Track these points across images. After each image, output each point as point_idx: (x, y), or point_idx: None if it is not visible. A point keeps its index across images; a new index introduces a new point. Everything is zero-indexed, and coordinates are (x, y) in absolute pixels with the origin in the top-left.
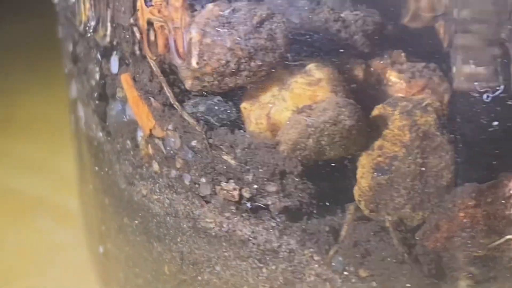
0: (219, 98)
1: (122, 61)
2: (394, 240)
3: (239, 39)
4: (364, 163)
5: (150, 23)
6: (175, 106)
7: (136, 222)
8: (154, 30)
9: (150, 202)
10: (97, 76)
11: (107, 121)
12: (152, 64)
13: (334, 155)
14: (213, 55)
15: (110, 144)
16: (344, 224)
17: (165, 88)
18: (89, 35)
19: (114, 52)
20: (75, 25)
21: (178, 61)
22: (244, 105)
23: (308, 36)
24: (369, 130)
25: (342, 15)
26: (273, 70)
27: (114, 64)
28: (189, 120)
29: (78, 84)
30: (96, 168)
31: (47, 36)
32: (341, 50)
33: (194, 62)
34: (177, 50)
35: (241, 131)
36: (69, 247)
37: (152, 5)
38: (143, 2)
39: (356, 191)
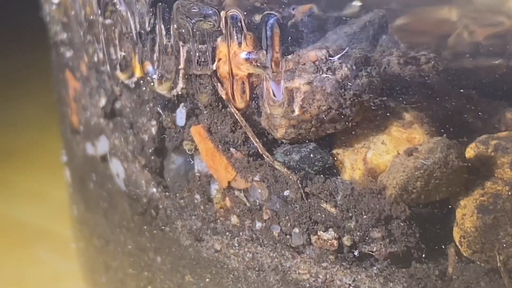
0: (314, 145)
1: (190, 113)
2: (505, 280)
3: (339, 84)
4: (465, 204)
5: (232, 73)
6: (264, 156)
7: (207, 279)
8: (238, 80)
9: (225, 257)
10: (153, 130)
11: (165, 176)
12: (236, 115)
13: (440, 196)
14: (313, 102)
15: (170, 200)
16: (449, 267)
17: (251, 138)
18: (144, 88)
19: (182, 104)
20: (115, 79)
21: (273, 110)
22: (337, 150)
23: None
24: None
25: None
26: (368, 115)
27: (180, 116)
28: (281, 169)
29: (114, 139)
30: (145, 227)
31: (48, 66)
32: (425, 91)
33: (297, 109)
34: (270, 99)
35: (338, 177)
36: (70, 277)
37: (250, 57)
38: (234, 52)
39: (456, 233)
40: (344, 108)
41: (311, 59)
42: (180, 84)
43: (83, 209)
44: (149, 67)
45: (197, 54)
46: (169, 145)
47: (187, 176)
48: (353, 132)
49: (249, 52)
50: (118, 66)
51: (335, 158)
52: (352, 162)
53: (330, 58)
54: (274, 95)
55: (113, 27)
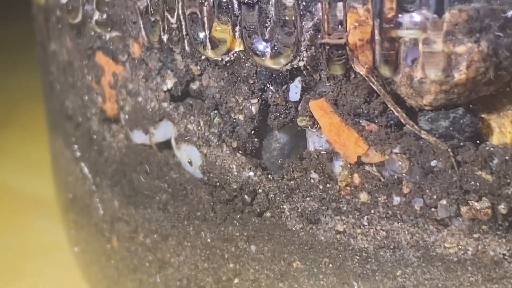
0: (463, 109)
1: (306, 87)
2: None
3: (495, 43)
4: None
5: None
6: (408, 125)
7: (323, 263)
8: (383, 46)
9: (351, 238)
10: (253, 109)
11: (264, 158)
12: (374, 84)
13: None
14: (472, 64)
15: (274, 182)
16: None
17: (391, 108)
18: (243, 64)
19: (298, 78)
20: (195, 58)
21: (427, 75)
22: (482, 114)
23: None
24: None
25: None
26: None
27: (295, 91)
28: (429, 138)
29: (186, 124)
30: (233, 215)
31: None
32: None
33: (455, 73)
34: (426, 63)
35: (487, 142)
36: (67, 245)
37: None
38: (382, 15)
39: None
40: (501, 69)
41: (462, 17)
42: (302, 56)
43: (120, 206)
44: (256, 41)
45: (330, 22)
46: (274, 123)
47: (296, 155)
48: (501, 94)
49: (402, 14)
50: (207, 43)
51: (482, 123)
52: (500, 126)
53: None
54: (427, 60)
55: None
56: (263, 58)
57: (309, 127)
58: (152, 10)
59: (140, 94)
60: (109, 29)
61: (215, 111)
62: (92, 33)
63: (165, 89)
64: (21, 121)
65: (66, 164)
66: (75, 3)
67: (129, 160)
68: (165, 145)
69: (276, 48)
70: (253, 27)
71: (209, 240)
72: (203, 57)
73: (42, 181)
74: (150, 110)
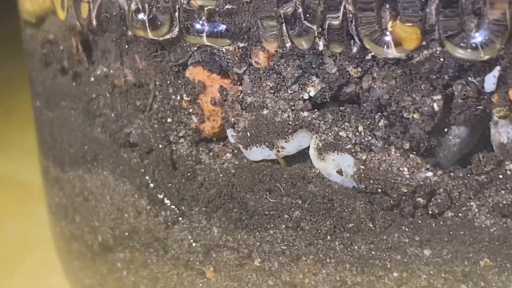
0: None
1: (504, 75)
2: None
3: None
4: None
5: None
6: None
7: None
8: None
9: None
10: (436, 105)
11: (441, 155)
12: None
13: None
14: None
15: (460, 180)
16: None
17: None
18: (423, 60)
19: (497, 68)
20: (354, 59)
21: None
22: None
23: None
24: None
25: None
26: None
27: (492, 81)
28: None
29: (337, 131)
30: (399, 221)
31: None
32: None
33: None
34: None
35: None
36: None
37: None
38: None
39: None
40: None
41: None
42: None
43: (222, 232)
44: (461, 37)
45: None
46: (459, 117)
47: (480, 149)
48: None
49: None
50: (384, 42)
51: None
52: None
53: None
54: None
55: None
56: (468, 51)
57: (507, 117)
58: (307, 15)
59: (266, 107)
60: (226, 40)
61: (380, 113)
62: (188, 47)
63: (305, 97)
64: (22, 112)
65: (118, 198)
66: (164, 18)
67: (241, 180)
68: (296, 158)
69: (485, 40)
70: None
71: (364, 252)
72: (367, 57)
73: None
74: (281, 122)
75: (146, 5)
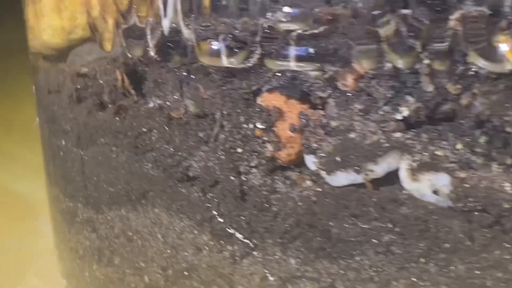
0: None
1: None
2: None
3: None
4: None
5: None
6: None
7: None
8: None
9: None
10: None
11: None
12: None
13: None
14: None
15: None
16: None
17: None
18: None
19: None
20: (454, 75)
21: None
22: None
23: None
24: None
25: None
26: None
27: None
28: None
29: (442, 149)
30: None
31: None
32: None
33: None
34: None
35: None
36: None
37: None
38: None
39: None
40: None
41: None
42: None
43: (301, 263)
44: None
45: None
46: None
47: None
48: None
49: None
50: (496, 56)
51: None
52: None
53: None
54: None
55: None
56: None
57: None
58: (411, 33)
59: (354, 130)
60: (315, 64)
61: (480, 130)
62: (264, 73)
63: (398, 117)
64: (23, 126)
65: (172, 235)
66: (242, 44)
67: (323, 207)
68: (383, 181)
69: None
70: None
71: (462, 271)
72: (469, 73)
73: (44, 185)
74: (370, 144)
75: (222, 31)
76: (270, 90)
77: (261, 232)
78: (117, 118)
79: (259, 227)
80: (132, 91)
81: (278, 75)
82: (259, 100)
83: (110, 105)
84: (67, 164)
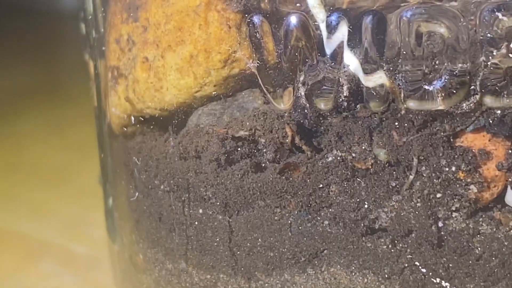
0: None
1: None
2: None
3: None
4: None
5: None
6: None
7: None
8: None
9: None
10: None
11: None
12: None
13: None
14: None
15: None
16: None
17: None
18: None
19: None
20: None
21: None
22: None
23: None
24: None
25: None
26: None
27: None
28: None
29: None
30: None
31: (54, 82)
32: None
33: None
34: None
35: None
36: None
37: None
38: None
39: None
40: None
41: None
42: None
43: None
44: None
45: None
46: None
47: None
48: None
49: None
50: None
51: None
52: None
53: None
54: None
55: None
56: None
57: None
58: None
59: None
60: None
61: None
62: (471, 113)
63: None
64: (26, 167)
65: None
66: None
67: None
68: None
69: None
70: None
71: None
72: None
73: (48, 226)
74: None
75: (434, 72)
76: (474, 130)
77: (461, 277)
78: (283, 178)
79: (459, 272)
80: (305, 147)
81: (486, 114)
82: (459, 142)
83: (271, 165)
84: (206, 234)
